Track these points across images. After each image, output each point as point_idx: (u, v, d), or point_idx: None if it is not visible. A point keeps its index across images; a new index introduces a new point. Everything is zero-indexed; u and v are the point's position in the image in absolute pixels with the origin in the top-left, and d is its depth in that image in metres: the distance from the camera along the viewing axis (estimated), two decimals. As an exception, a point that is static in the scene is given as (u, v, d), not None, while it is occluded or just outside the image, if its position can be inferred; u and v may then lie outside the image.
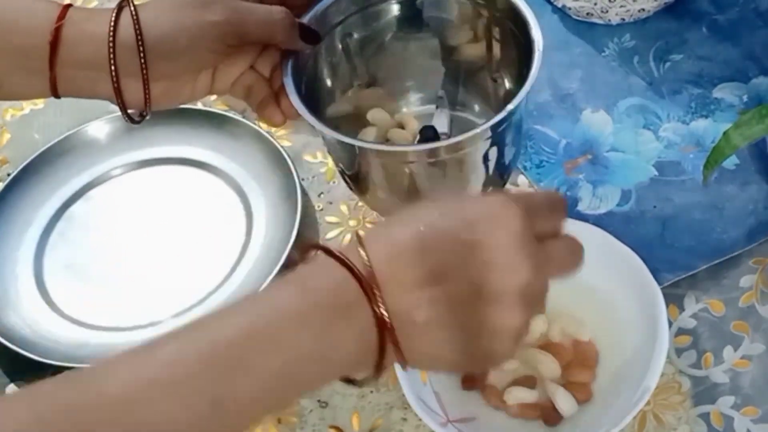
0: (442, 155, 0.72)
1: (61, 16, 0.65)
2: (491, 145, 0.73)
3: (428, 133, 0.82)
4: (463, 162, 0.73)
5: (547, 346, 0.74)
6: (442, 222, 0.51)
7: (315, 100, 0.76)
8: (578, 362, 0.73)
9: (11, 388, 0.79)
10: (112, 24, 0.65)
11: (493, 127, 0.71)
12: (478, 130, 0.70)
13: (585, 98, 0.93)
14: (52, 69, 0.65)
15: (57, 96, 0.68)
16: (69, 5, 0.67)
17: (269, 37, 0.69)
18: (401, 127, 0.85)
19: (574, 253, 0.57)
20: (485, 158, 0.74)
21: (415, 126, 0.84)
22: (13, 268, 0.86)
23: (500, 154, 0.75)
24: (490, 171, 0.75)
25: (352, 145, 0.73)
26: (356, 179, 0.78)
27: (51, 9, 0.66)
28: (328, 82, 0.82)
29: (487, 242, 0.50)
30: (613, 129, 0.90)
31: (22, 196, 0.89)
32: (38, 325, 0.81)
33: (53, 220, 0.89)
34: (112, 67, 0.66)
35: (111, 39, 0.65)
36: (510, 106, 0.70)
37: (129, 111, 0.70)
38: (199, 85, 0.70)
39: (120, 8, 0.66)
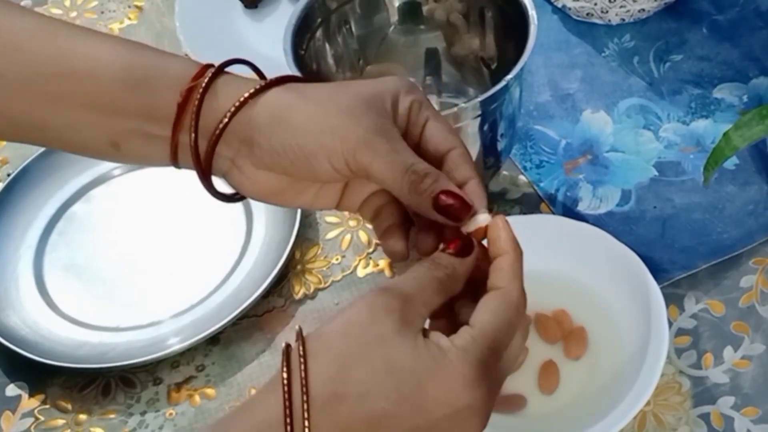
0: None
1: (197, 76, 0.56)
2: (483, 122, 0.74)
3: None
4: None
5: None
6: (398, 408, 0.47)
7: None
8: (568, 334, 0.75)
9: (11, 388, 0.79)
10: (245, 96, 0.55)
11: (486, 102, 0.72)
12: (474, 102, 0.72)
13: (585, 98, 0.93)
14: (175, 134, 0.56)
15: (177, 165, 0.58)
16: (208, 65, 0.57)
17: (392, 191, 0.55)
18: None
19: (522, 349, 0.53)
20: (478, 136, 0.75)
21: None
22: (13, 268, 0.86)
23: (493, 136, 0.76)
24: (484, 149, 0.77)
25: None
26: None
27: (188, 68, 0.57)
28: (331, 67, 0.83)
29: (444, 428, 0.48)
30: (613, 129, 0.90)
31: (22, 196, 0.89)
32: (38, 325, 0.81)
33: (53, 220, 0.89)
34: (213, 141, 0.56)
35: (229, 113, 0.55)
36: (502, 83, 0.72)
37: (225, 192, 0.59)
38: (324, 195, 0.58)
39: (267, 86, 0.56)
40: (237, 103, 0.55)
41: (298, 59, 0.76)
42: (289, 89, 0.56)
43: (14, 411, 0.78)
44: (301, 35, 0.78)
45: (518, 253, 0.52)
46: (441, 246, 0.52)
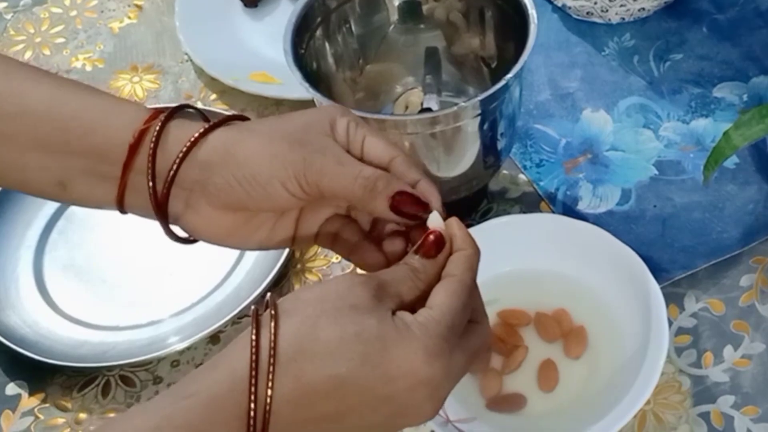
0: (437, 127, 0.73)
1: (150, 119, 0.57)
2: (483, 121, 0.74)
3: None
4: (457, 135, 0.74)
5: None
6: (362, 371, 0.49)
7: (319, 83, 0.77)
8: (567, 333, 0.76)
9: (11, 387, 0.79)
10: (194, 138, 0.56)
11: (486, 101, 0.72)
12: (474, 101, 0.72)
13: (585, 97, 0.93)
14: (125, 174, 0.57)
15: (122, 209, 0.59)
16: (160, 110, 0.58)
17: (348, 201, 0.58)
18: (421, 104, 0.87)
19: (485, 339, 0.55)
20: (478, 135, 0.75)
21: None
22: (13, 268, 0.86)
23: (493, 135, 0.76)
24: (484, 148, 0.77)
25: None
26: None
27: (140, 112, 0.58)
28: (331, 66, 0.83)
29: (402, 400, 0.50)
30: (613, 128, 0.90)
31: (21, 195, 0.89)
32: (38, 325, 0.81)
33: (53, 220, 0.89)
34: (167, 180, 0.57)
35: (180, 155, 0.56)
36: (502, 82, 0.72)
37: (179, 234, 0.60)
38: (279, 230, 0.59)
39: (212, 126, 0.57)
40: (187, 144, 0.56)
41: (298, 59, 0.76)
42: (233, 127, 0.57)
43: (14, 410, 0.78)
44: (301, 34, 0.78)
45: (474, 249, 0.54)
46: (412, 249, 0.54)
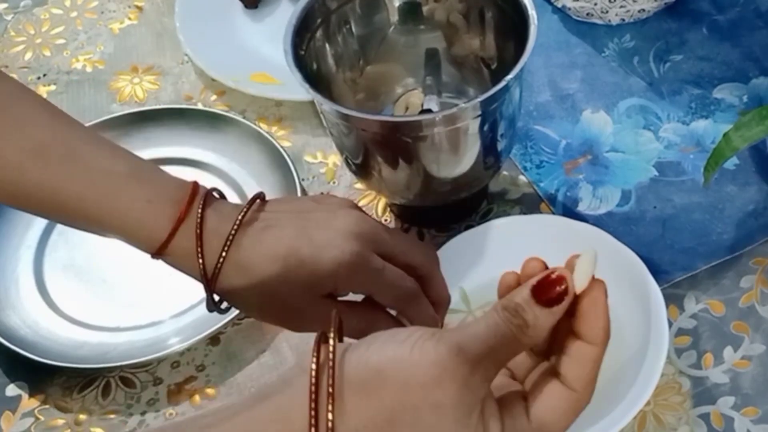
0: (437, 128, 0.73)
1: (174, 230, 0.63)
2: (483, 122, 0.74)
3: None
4: (457, 136, 0.74)
5: None
6: None
7: (319, 84, 0.77)
8: None
9: (11, 388, 0.79)
10: (224, 253, 0.62)
11: (486, 102, 0.72)
12: (474, 102, 0.72)
13: (585, 99, 0.93)
14: (157, 254, 0.65)
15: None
16: (186, 210, 0.62)
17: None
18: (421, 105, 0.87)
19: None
20: (478, 136, 0.75)
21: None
22: (13, 268, 0.86)
23: (493, 136, 0.76)
24: (484, 149, 0.76)
25: (355, 126, 0.74)
26: (360, 163, 0.78)
27: (166, 218, 0.63)
28: (332, 67, 0.83)
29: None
30: (613, 129, 0.90)
31: (22, 196, 0.89)
32: (38, 325, 0.81)
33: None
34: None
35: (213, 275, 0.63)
36: (502, 83, 0.72)
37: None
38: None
39: (233, 233, 0.62)
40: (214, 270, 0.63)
41: (299, 59, 0.76)
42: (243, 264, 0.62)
43: (14, 411, 0.78)
44: (301, 35, 0.78)
45: (605, 346, 0.47)
46: (530, 289, 0.47)
